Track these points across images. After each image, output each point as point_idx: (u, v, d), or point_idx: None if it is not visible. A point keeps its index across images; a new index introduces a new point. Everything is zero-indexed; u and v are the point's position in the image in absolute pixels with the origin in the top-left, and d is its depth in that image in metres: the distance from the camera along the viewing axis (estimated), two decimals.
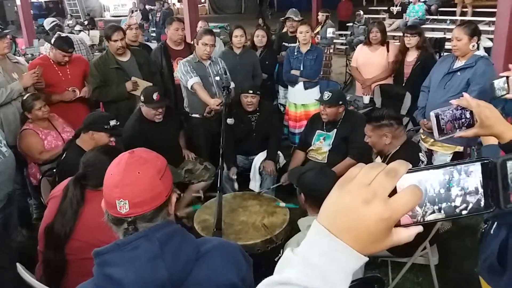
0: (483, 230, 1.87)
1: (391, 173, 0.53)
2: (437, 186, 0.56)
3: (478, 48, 3.24)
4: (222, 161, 2.74)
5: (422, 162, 2.58)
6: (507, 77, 1.48)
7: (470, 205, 0.57)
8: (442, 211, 0.56)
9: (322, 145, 3.61)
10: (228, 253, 1.22)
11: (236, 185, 3.68)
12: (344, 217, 0.53)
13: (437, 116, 1.28)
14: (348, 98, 4.59)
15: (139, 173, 1.13)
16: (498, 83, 1.48)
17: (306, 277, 0.52)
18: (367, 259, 0.54)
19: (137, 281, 1.03)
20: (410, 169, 0.55)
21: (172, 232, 1.12)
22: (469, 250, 3.12)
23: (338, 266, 0.52)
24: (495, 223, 1.70)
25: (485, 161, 0.57)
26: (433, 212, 0.56)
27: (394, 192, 0.53)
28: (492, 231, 1.72)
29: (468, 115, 1.31)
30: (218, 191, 2.56)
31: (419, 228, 0.56)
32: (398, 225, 0.55)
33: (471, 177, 0.57)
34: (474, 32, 3.16)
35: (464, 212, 0.57)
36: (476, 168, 0.57)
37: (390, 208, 0.52)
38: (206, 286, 1.12)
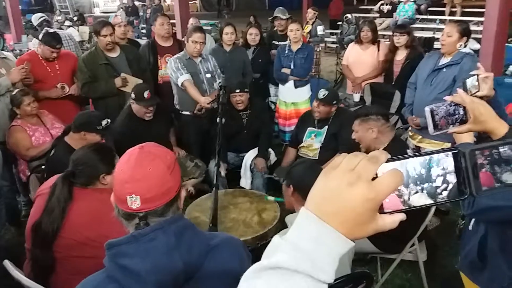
0: (461, 226, 1.90)
1: (372, 159, 0.57)
2: (418, 166, 0.59)
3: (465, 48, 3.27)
4: (218, 159, 2.74)
5: None
6: (478, 75, 1.50)
7: (450, 186, 0.59)
8: (425, 191, 0.59)
9: (313, 142, 3.63)
10: (235, 248, 1.25)
11: (224, 173, 3.66)
12: (330, 202, 0.56)
13: (432, 112, 1.31)
14: None
15: (150, 168, 1.13)
16: (471, 81, 1.51)
17: (294, 261, 0.53)
18: (353, 244, 0.56)
19: (154, 271, 1.05)
20: (389, 159, 0.58)
21: (185, 225, 1.15)
22: (456, 247, 3.15)
23: (326, 250, 0.54)
24: (473, 219, 1.73)
25: (455, 151, 0.60)
26: (416, 192, 0.59)
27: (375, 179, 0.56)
28: (470, 227, 1.74)
29: (461, 112, 1.33)
30: (214, 188, 2.57)
31: (402, 216, 0.58)
32: (383, 212, 0.58)
33: (450, 157, 0.60)
34: (465, 32, 3.20)
35: (444, 192, 0.59)
36: (448, 158, 0.60)
37: (374, 189, 0.55)
38: (216, 279, 1.15)
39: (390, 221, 0.58)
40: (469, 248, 1.68)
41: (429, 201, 0.59)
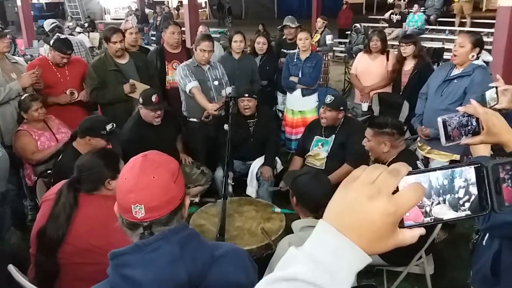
0: (475, 241, 1.87)
1: (393, 172, 0.55)
2: (441, 177, 0.58)
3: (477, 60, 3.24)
4: (227, 169, 2.72)
5: None
6: (497, 87, 1.48)
7: (473, 197, 0.58)
8: (447, 202, 0.58)
9: (320, 151, 3.61)
10: (239, 259, 1.23)
11: (230, 188, 3.66)
12: (349, 215, 0.54)
13: (444, 123, 1.29)
14: None
15: (153, 177, 1.11)
16: (490, 93, 1.48)
17: (312, 274, 0.52)
18: (370, 260, 0.54)
19: (157, 282, 1.03)
20: (410, 171, 0.57)
21: (189, 235, 1.13)
22: (464, 260, 3.11)
23: (343, 264, 0.53)
24: (487, 234, 1.69)
25: (478, 165, 0.58)
26: (439, 203, 0.58)
27: (396, 192, 0.55)
28: (484, 242, 1.71)
29: (474, 123, 1.31)
30: (222, 198, 2.55)
31: (422, 230, 0.57)
32: (402, 226, 0.56)
33: (472, 169, 0.59)
34: (478, 43, 3.16)
35: (466, 204, 0.58)
36: (471, 171, 0.58)
37: (394, 203, 0.53)
38: None
39: (410, 236, 0.56)
40: (482, 263, 1.65)
41: (450, 214, 0.58)
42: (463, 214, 0.58)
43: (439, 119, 1.29)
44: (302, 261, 0.53)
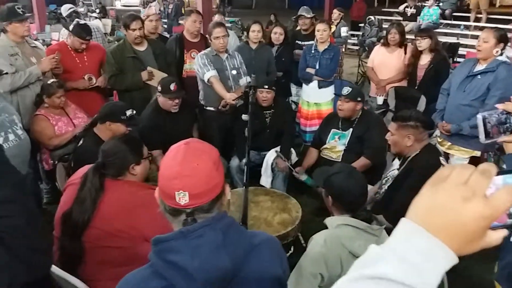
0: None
1: (486, 173, 0.54)
2: None
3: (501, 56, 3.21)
4: (248, 158, 2.73)
5: (443, 166, 2.54)
6: None
7: None
8: None
9: (336, 144, 3.60)
10: (274, 247, 1.25)
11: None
12: (440, 215, 0.53)
13: (484, 120, 1.28)
14: None
15: (197, 164, 1.12)
16: None
17: (403, 274, 0.51)
18: (458, 260, 0.54)
19: (202, 268, 1.05)
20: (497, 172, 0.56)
21: (230, 223, 1.15)
22: (480, 255, 3.04)
23: (434, 265, 0.52)
24: None
25: None
26: None
27: None
28: (511, 239, 1.70)
29: (511, 120, 1.30)
30: (244, 186, 2.56)
31: (506, 232, 0.56)
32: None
33: None
34: (502, 38, 3.14)
35: None
36: None
37: (490, 206, 0.52)
38: (258, 278, 1.15)
39: (496, 238, 0.55)
40: (509, 259, 1.65)
41: None
42: None
43: (479, 116, 1.29)
44: (390, 260, 0.52)
